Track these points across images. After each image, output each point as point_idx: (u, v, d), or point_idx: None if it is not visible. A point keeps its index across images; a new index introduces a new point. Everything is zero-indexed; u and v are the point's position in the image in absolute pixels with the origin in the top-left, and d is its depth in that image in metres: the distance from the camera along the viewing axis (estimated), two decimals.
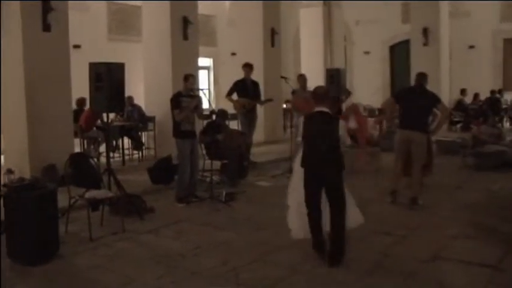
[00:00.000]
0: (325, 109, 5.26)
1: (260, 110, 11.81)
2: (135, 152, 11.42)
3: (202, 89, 8.85)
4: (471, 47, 17.92)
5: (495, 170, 9.62)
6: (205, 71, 18.30)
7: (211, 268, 5.17)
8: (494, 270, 4.97)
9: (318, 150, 5.17)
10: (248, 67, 10.57)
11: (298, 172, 5.54)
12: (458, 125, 16.12)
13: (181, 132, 7.73)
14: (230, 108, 10.48)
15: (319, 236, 5.25)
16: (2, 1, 8.41)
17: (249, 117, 10.49)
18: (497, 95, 16.29)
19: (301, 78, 10.81)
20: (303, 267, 5.12)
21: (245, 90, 10.39)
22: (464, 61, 17.60)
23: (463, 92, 16.62)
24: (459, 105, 16.38)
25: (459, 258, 5.31)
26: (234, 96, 10.57)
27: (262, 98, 11.01)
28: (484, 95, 16.35)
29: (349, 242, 5.25)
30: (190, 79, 7.87)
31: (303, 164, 5.32)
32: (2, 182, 7.01)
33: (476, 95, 16.62)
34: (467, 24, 17.48)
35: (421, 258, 5.25)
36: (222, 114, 9.20)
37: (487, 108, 15.38)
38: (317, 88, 5.50)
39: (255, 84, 10.62)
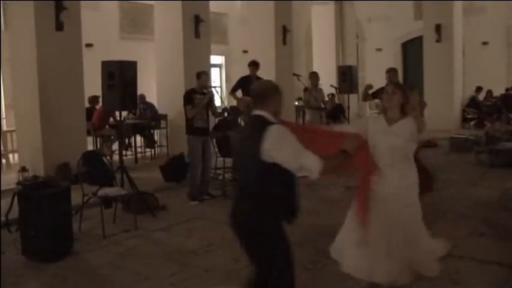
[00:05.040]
0: (262, 113, 3.37)
1: None
2: (148, 149, 11.47)
3: (214, 87, 8.84)
4: (485, 43, 17.75)
5: (509, 167, 9.51)
6: (217, 69, 18.32)
7: (223, 265, 5.17)
8: (510, 269, 4.91)
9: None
10: (254, 65, 10.39)
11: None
12: (472, 122, 16.00)
13: (194, 129, 7.74)
14: None
15: None
16: (15, 1, 8.48)
17: None
18: None
19: (313, 76, 10.76)
20: (314, 265, 5.11)
21: (250, 87, 10.25)
22: (478, 58, 17.44)
23: (478, 89, 16.47)
24: (472, 102, 16.24)
25: (473, 256, 5.25)
26: (239, 93, 10.45)
27: None
28: (498, 92, 16.20)
29: None
30: (203, 76, 7.88)
31: None
32: (16, 181, 7.06)
33: (488, 92, 16.49)
34: (480, 21, 17.30)
35: None
36: (234, 111, 9.18)
37: (501, 105, 15.24)
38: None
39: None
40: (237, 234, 3.31)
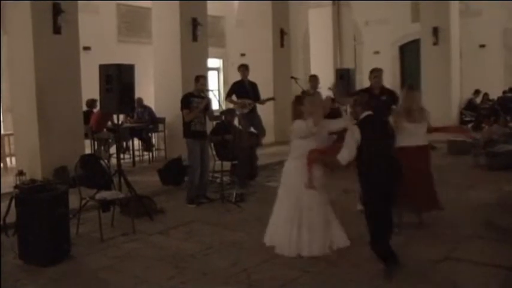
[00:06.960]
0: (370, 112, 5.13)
1: (270, 110, 11.75)
2: (146, 153, 11.46)
3: (212, 90, 8.83)
4: (482, 46, 17.78)
5: (507, 169, 9.51)
6: (215, 72, 18.32)
7: (221, 269, 5.16)
8: (509, 271, 4.91)
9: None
10: (243, 68, 10.42)
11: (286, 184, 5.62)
12: (470, 125, 16.00)
13: (191, 132, 7.73)
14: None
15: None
16: (12, 2, 8.47)
17: (248, 118, 10.30)
18: (509, 94, 16.14)
19: (313, 79, 10.76)
20: (313, 267, 5.10)
21: (244, 91, 10.24)
22: (475, 60, 17.46)
23: (476, 92, 16.49)
24: (470, 104, 16.26)
25: (472, 259, 5.26)
26: (234, 98, 10.45)
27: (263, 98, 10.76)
28: (495, 94, 16.22)
29: (360, 242, 5.23)
30: (201, 80, 7.87)
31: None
32: (13, 184, 7.04)
33: (485, 95, 16.53)
34: (477, 23, 17.33)
35: (433, 259, 5.21)
36: (228, 113, 9.13)
37: (499, 107, 15.25)
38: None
39: (253, 85, 10.48)
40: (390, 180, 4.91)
